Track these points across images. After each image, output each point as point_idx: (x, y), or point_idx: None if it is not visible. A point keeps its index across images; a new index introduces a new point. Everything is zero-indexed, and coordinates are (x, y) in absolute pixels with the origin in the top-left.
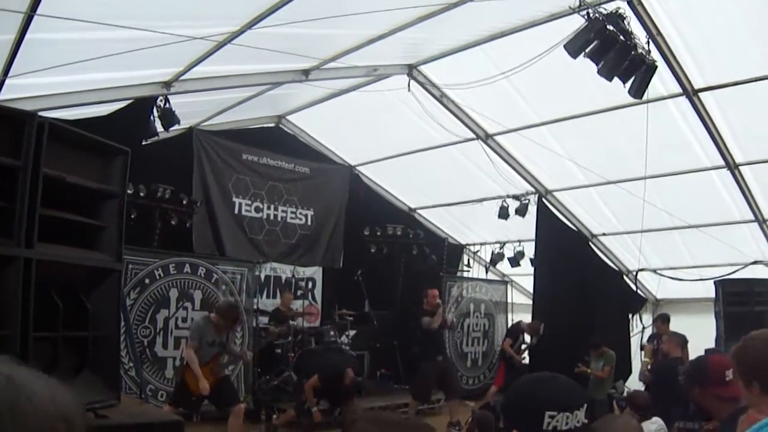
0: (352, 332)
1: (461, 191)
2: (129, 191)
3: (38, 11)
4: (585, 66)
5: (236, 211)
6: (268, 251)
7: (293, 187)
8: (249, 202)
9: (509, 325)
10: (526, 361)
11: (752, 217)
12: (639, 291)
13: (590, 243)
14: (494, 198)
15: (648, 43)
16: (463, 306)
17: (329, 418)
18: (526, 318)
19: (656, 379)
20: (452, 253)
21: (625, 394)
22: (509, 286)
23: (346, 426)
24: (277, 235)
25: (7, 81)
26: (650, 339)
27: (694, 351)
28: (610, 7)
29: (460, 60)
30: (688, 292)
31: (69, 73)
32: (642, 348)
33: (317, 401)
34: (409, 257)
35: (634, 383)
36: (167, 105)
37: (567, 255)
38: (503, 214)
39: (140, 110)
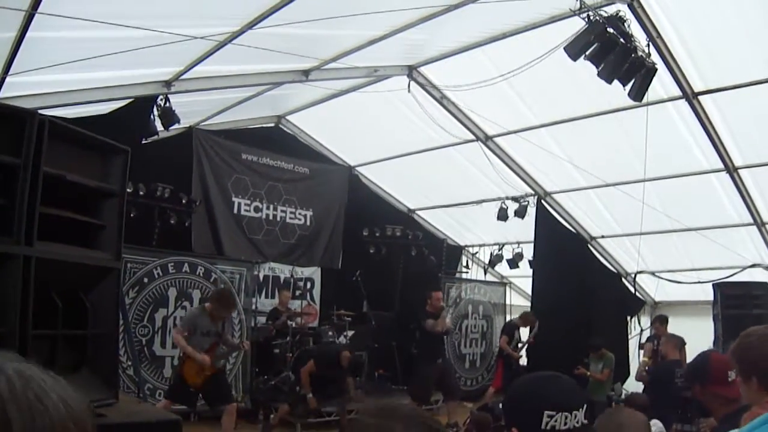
0: (350, 332)
1: (460, 193)
2: (128, 190)
3: (39, 9)
4: (585, 68)
5: (235, 211)
6: (267, 251)
7: (292, 187)
8: (248, 202)
9: None
10: (524, 359)
11: (751, 221)
12: (637, 293)
13: (589, 245)
14: (493, 200)
15: (648, 45)
16: (461, 307)
17: (325, 405)
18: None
19: (653, 382)
20: (451, 254)
21: (623, 395)
22: (508, 288)
23: (344, 426)
24: (276, 235)
25: (8, 78)
26: (649, 339)
27: (692, 354)
28: (610, 10)
29: (460, 61)
30: (686, 294)
31: (70, 71)
32: (641, 347)
33: (313, 389)
34: (408, 258)
35: (632, 385)
36: (167, 104)
37: (566, 257)
38: (502, 215)
39: (140, 109)
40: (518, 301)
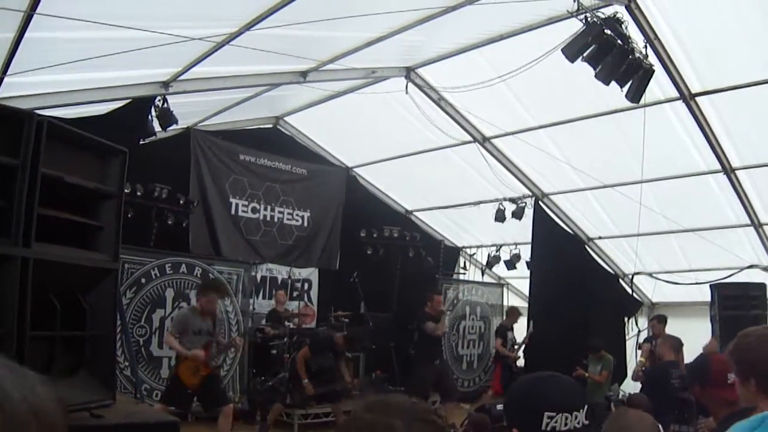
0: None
1: (458, 194)
2: (126, 190)
3: (38, 10)
4: (582, 70)
5: (233, 212)
6: (264, 252)
7: (290, 188)
8: (246, 203)
9: None
10: (521, 361)
11: (748, 222)
12: (635, 294)
13: (586, 246)
14: (491, 201)
15: (645, 47)
16: (459, 308)
17: (321, 391)
18: (522, 321)
19: (649, 383)
20: (448, 255)
21: (620, 396)
22: (505, 289)
23: (340, 426)
24: (274, 236)
25: (6, 79)
26: (647, 340)
27: (690, 355)
28: (607, 12)
29: (457, 63)
30: (683, 295)
31: (68, 71)
32: (639, 347)
33: (308, 375)
34: (406, 259)
35: (629, 387)
36: (165, 105)
37: (563, 258)
38: (500, 217)
39: (138, 110)
40: (516, 302)
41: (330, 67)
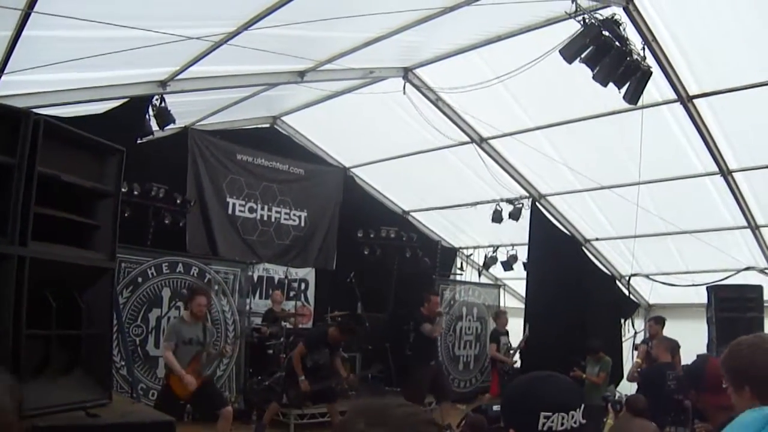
0: None
1: (455, 194)
2: (123, 190)
3: (36, 9)
4: (580, 71)
5: (230, 212)
6: (261, 252)
7: (287, 188)
8: (243, 203)
9: None
10: (518, 364)
11: (745, 224)
12: (631, 296)
13: (583, 248)
14: (488, 202)
15: (643, 49)
16: (455, 309)
17: (318, 387)
18: (518, 322)
19: (645, 384)
20: (445, 256)
21: (617, 397)
22: (502, 290)
23: (335, 426)
24: (271, 236)
25: (3, 77)
26: (645, 341)
27: (686, 357)
28: (605, 13)
29: (455, 63)
30: (680, 297)
31: (65, 70)
32: (635, 348)
33: (305, 372)
34: (402, 260)
35: (625, 388)
36: (163, 104)
37: (560, 259)
38: (497, 217)
39: (136, 109)
40: (512, 303)
41: (328, 67)
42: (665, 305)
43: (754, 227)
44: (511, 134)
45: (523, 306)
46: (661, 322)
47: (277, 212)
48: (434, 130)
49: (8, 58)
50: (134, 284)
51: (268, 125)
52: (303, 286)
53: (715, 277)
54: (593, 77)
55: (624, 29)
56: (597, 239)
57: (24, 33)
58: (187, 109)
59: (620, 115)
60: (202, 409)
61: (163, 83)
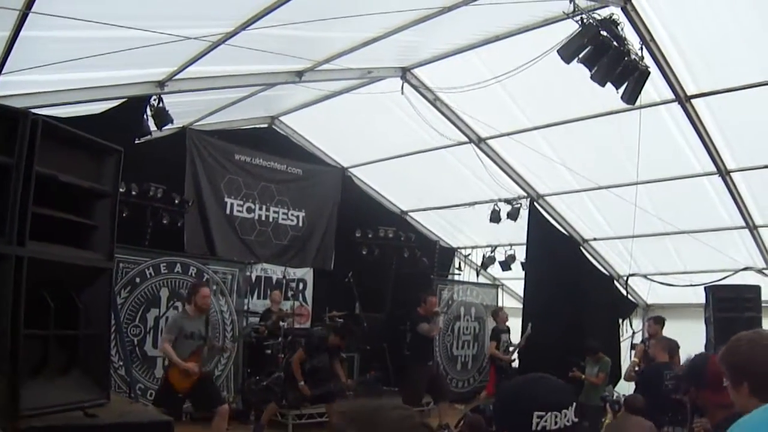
0: None
1: (453, 194)
2: (121, 190)
3: (33, 9)
4: (578, 71)
5: (228, 212)
6: (259, 252)
7: (285, 188)
8: (241, 203)
9: None
10: (516, 362)
11: (743, 224)
12: (629, 296)
13: (581, 248)
14: (486, 202)
15: (641, 49)
16: (453, 309)
17: (317, 392)
18: (516, 322)
19: (642, 384)
20: (443, 256)
21: (615, 398)
22: (500, 290)
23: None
24: (269, 236)
25: (1, 78)
26: (644, 340)
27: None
28: (603, 13)
29: (453, 64)
30: (678, 297)
31: (63, 71)
32: (633, 348)
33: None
34: (401, 260)
35: (623, 388)
36: (161, 104)
37: (558, 259)
38: (495, 217)
39: (134, 109)
40: (510, 303)
41: (326, 67)
42: (663, 305)
43: (752, 227)
44: (509, 134)
45: (521, 306)
46: (660, 322)
47: (275, 212)
48: (432, 130)
49: (6, 58)
50: (132, 284)
51: (266, 125)
52: (301, 286)
53: (713, 277)
54: (591, 77)
55: (622, 29)
56: (595, 239)
57: (22, 33)
58: (184, 109)
59: (618, 115)
60: (200, 404)
61: (160, 83)
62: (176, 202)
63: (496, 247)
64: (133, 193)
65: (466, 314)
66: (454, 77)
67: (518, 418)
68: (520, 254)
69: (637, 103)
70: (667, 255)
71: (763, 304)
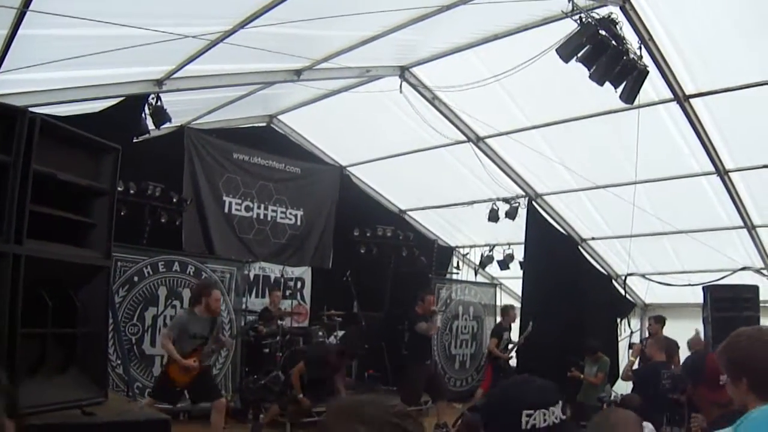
0: (340, 333)
1: (451, 193)
2: (119, 188)
3: (31, 7)
4: (577, 70)
5: (226, 210)
6: (257, 250)
7: (283, 187)
8: (239, 201)
9: None
10: (513, 360)
11: (741, 224)
12: (627, 295)
13: (579, 247)
14: (484, 201)
15: (640, 48)
16: (451, 308)
17: (317, 405)
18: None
19: (639, 383)
20: (442, 255)
21: (612, 397)
22: (498, 289)
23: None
24: (267, 235)
25: None
26: (644, 340)
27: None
28: (602, 12)
29: (452, 62)
30: (676, 297)
31: (61, 69)
32: (630, 347)
33: (303, 389)
34: (399, 259)
35: (622, 388)
36: (159, 103)
37: (556, 259)
38: (493, 216)
39: (132, 108)
40: (508, 302)
41: (324, 65)
42: (661, 305)
43: (750, 227)
44: (507, 133)
45: (519, 305)
46: (661, 321)
47: (273, 211)
48: (431, 129)
49: (4, 56)
50: (130, 283)
51: (264, 124)
52: (299, 284)
53: (711, 276)
54: (590, 76)
55: (621, 28)
56: (593, 239)
57: (20, 32)
58: (183, 108)
59: (616, 115)
60: (198, 397)
61: (159, 82)
62: (174, 200)
63: (494, 246)
64: (131, 191)
65: (464, 313)
66: (452, 76)
67: (508, 419)
68: (519, 253)
69: (636, 103)
70: (665, 254)
71: (761, 304)
